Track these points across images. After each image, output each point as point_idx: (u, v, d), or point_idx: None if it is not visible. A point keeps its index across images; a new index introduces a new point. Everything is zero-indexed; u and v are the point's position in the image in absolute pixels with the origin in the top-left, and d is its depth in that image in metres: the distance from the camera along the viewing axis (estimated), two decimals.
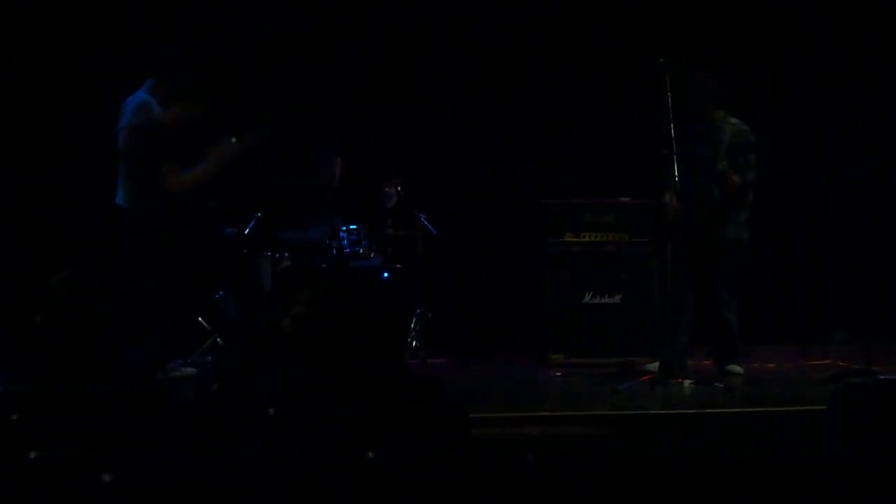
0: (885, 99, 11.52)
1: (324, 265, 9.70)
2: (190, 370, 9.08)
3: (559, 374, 9.15)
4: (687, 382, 8.41)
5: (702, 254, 8.98)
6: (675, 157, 8.43)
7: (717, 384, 8.29)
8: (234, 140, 9.16)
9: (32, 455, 3.10)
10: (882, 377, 8.18)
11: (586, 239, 10.01)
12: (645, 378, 8.34)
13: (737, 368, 9.01)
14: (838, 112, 11.58)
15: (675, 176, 8.43)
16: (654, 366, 8.64)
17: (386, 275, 9.84)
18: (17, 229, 10.42)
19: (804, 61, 11.56)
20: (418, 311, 10.00)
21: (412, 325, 9.96)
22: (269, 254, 9.62)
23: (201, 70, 8.92)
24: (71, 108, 10.43)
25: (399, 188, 9.99)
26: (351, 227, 9.88)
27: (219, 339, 9.64)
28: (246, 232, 9.75)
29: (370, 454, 2.92)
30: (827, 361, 9.72)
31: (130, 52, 9.79)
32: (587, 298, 9.91)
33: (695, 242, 8.90)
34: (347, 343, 4.02)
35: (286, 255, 9.77)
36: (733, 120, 9.06)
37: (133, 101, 8.77)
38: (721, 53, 11.46)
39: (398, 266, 9.99)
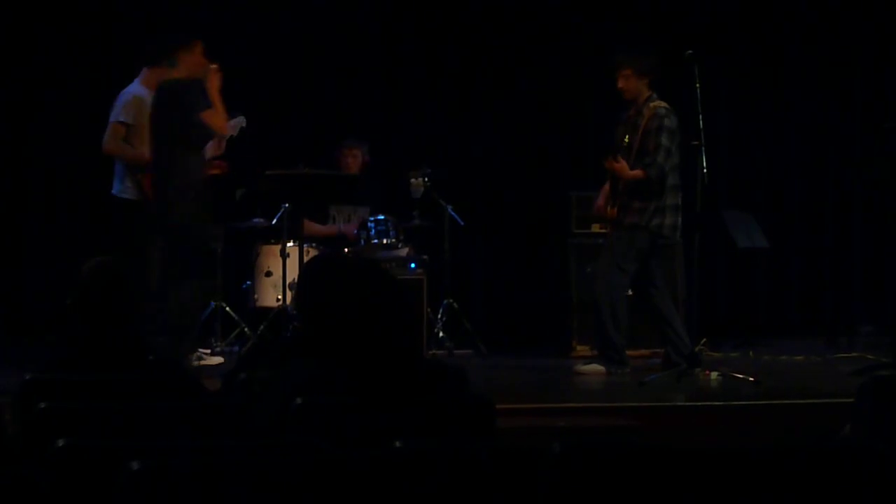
0: None
1: (350, 255, 9.71)
2: (217, 359, 9.12)
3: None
4: (713, 374, 8.41)
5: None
6: (703, 148, 8.43)
7: (743, 376, 8.27)
8: (240, 118, 9.12)
9: (60, 443, 3.11)
10: None
11: None
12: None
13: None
14: (864, 105, 11.54)
15: (703, 167, 8.42)
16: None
17: (413, 265, 9.85)
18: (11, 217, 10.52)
19: (832, 54, 11.53)
20: (445, 301, 10.01)
21: (438, 316, 9.97)
22: (296, 244, 9.65)
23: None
24: (71, 96, 10.46)
25: (426, 179, 9.99)
26: (378, 217, 9.89)
27: (246, 329, 9.67)
28: (273, 222, 9.77)
29: (397, 443, 2.93)
30: (854, 354, 9.69)
31: (129, 39, 9.81)
32: None
33: None
34: (372, 332, 4.02)
35: (313, 245, 9.79)
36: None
37: (123, 96, 8.75)
38: (748, 45, 11.44)
39: (425, 257, 9.99)
